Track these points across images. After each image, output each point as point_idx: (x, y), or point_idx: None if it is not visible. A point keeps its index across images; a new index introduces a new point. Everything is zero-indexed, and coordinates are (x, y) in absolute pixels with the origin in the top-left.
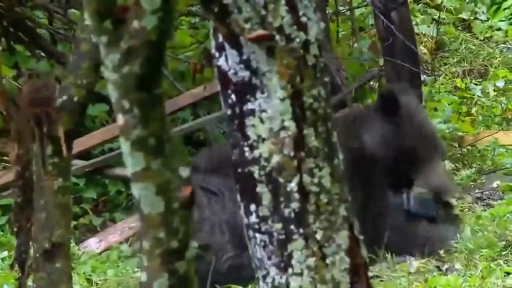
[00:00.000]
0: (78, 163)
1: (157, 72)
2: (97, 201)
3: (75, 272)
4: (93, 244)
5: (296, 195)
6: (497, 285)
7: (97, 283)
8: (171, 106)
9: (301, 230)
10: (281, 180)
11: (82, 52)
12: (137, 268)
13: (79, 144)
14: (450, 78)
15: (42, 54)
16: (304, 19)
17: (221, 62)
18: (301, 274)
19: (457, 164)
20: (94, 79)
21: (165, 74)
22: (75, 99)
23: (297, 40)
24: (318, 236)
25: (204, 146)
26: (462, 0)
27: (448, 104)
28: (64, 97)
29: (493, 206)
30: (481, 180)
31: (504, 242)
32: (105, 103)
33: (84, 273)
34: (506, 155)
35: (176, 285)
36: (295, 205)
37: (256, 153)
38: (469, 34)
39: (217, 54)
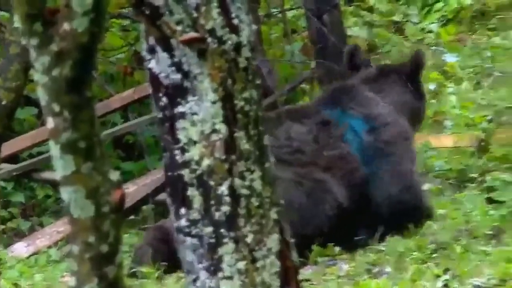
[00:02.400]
0: (6, 167)
1: (88, 75)
2: (25, 205)
3: (2, 277)
4: (21, 248)
5: (227, 199)
6: None
7: None
8: (101, 109)
9: (231, 234)
10: (212, 183)
11: (11, 55)
12: (66, 272)
13: (7, 148)
14: None
15: None
16: (236, 21)
17: (152, 64)
18: (231, 278)
19: None
20: (23, 82)
21: (95, 77)
22: (3, 102)
23: (229, 42)
24: (249, 239)
25: (134, 149)
26: (394, 2)
27: None
28: None
29: None
30: None
31: (434, 245)
32: (34, 106)
33: (11, 278)
34: (437, 157)
35: None
36: (225, 208)
37: (187, 156)
38: (401, 36)
39: (148, 57)
